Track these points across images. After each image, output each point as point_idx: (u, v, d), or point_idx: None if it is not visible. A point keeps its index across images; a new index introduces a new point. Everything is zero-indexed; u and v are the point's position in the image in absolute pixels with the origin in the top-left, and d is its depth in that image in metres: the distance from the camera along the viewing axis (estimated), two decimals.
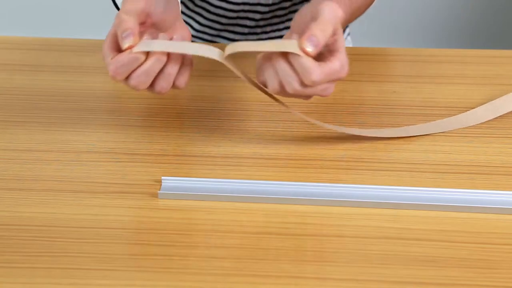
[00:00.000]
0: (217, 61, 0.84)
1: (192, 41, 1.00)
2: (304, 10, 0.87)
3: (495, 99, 0.99)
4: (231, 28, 1.22)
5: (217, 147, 0.92)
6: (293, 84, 0.83)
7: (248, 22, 1.21)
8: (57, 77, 1.05)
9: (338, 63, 0.83)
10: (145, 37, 0.85)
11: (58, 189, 0.85)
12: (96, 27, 2.02)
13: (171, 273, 0.75)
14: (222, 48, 0.84)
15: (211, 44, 1.08)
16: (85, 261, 0.76)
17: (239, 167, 0.89)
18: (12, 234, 0.79)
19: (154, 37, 0.87)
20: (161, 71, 0.85)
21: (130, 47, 0.84)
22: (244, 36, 1.23)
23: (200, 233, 0.80)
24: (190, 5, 1.22)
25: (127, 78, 0.85)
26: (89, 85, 1.03)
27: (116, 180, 0.87)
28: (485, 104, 0.97)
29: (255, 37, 1.23)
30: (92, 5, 2.24)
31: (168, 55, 0.85)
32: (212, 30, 1.23)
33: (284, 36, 0.89)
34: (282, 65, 0.83)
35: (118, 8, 1.05)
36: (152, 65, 0.84)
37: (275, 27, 1.23)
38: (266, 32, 1.23)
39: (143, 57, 0.84)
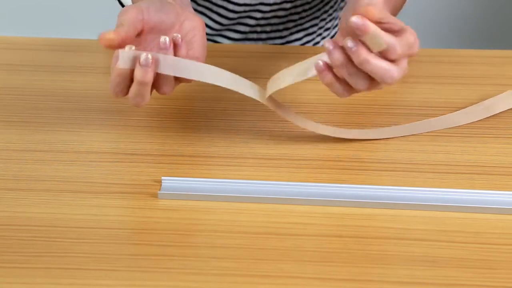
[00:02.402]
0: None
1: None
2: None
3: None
4: (232, 27, 1.22)
5: (217, 147, 0.92)
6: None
7: (249, 21, 1.21)
8: (57, 77, 1.05)
9: (412, 37, 0.84)
10: (127, 47, 0.83)
11: (57, 189, 0.85)
12: (96, 27, 2.02)
13: (171, 273, 0.75)
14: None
15: (212, 43, 1.08)
16: (84, 261, 0.76)
17: (239, 167, 0.89)
18: (11, 234, 0.79)
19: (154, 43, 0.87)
20: (156, 76, 0.85)
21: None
22: (244, 35, 1.23)
23: (200, 233, 0.80)
24: (193, 4, 1.22)
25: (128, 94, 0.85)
26: (89, 85, 1.03)
27: (116, 180, 0.87)
28: (477, 104, 0.97)
29: (255, 35, 1.23)
30: (92, 5, 2.25)
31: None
32: (212, 31, 1.23)
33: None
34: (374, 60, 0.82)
35: (122, 6, 1.05)
36: (136, 89, 0.83)
37: (274, 27, 1.23)
38: (266, 32, 1.23)
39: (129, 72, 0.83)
